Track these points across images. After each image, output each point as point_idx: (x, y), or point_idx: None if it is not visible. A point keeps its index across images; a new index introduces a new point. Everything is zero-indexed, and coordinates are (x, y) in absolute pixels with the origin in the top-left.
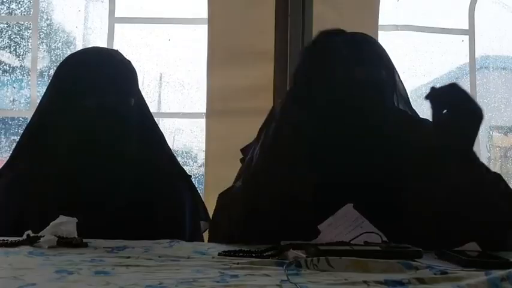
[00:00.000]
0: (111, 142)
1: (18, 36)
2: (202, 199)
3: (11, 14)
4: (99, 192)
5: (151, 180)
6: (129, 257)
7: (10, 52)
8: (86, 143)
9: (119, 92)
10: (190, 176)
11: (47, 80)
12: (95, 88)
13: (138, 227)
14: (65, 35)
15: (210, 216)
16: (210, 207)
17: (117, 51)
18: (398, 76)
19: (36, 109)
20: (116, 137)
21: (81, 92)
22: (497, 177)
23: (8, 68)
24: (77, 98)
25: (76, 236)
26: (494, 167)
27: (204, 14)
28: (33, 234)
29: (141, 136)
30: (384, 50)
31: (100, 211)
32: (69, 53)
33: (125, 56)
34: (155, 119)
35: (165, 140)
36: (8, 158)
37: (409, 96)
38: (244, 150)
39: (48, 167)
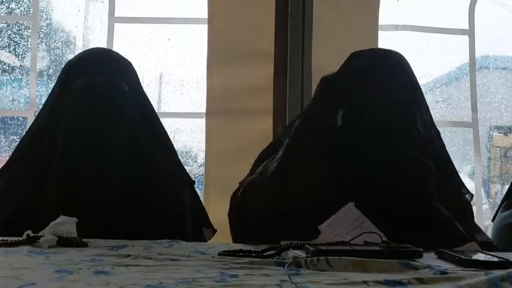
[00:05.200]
0: (102, 130)
1: (17, 36)
2: (202, 201)
3: (11, 14)
4: (90, 187)
5: (149, 177)
6: (128, 255)
7: (10, 52)
8: (79, 135)
9: (109, 74)
10: (194, 182)
11: (46, 80)
12: (85, 71)
13: (135, 226)
14: (65, 35)
15: (212, 222)
16: (210, 207)
17: (116, 52)
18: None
19: (38, 114)
20: (107, 123)
21: (73, 76)
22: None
23: (7, 68)
24: (68, 82)
25: (76, 236)
26: (494, 167)
27: (204, 14)
28: (33, 234)
29: (138, 130)
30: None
31: (94, 208)
32: (68, 52)
33: (124, 57)
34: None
35: (169, 141)
36: (8, 157)
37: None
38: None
39: (46, 165)
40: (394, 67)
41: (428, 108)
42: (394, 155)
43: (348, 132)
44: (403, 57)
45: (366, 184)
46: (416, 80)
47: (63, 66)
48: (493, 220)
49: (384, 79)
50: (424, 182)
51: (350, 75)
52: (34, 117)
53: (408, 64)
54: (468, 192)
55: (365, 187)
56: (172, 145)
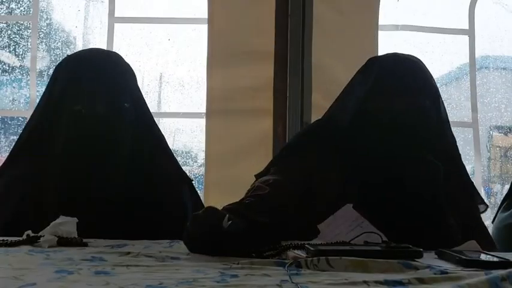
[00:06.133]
0: (102, 132)
1: (17, 36)
2: (202, 201)
3: (11, 14)
4: (91, 187)
5: (149, 178)
6: (129, 253)
7: (10, 52)
8: (80, 136)
9: (111, 98)
10: (192, 180)
11: (46, 80)
12: (86, 93)
13: (136, 226)
14: (65, 35)
15: None
16: None
17: (115, 53)
18: (441, 99)
19: (34, 110)
20: (109, 127)
21: (73, 96)
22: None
23: (7, 68)
24: (68, 102)
25: (76, 236)
26: (494, 167)
27: (204, 14)
28: (33, 234)
29: (138, 133)
30: (430, 75)
31: (95, 207)
32: (68, 52)
33: (123, 58)
34: (155, 119)
35: (166, 142)
36: (6, 157)
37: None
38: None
39: (46, 165)
40: (412, 73)
41: (447, 115)
42: (405, 157)
43: (361, 137)
44: (421, 63)
45: (372, 185)
46: (435, 85)
47: None
48: (493, 221)
49: (402, 86)
50: (432, 183)
51: (367, 81)
52: None
53: (427, 69)
54: (483, 202)
55: (371, 188)
56: (168, 145)
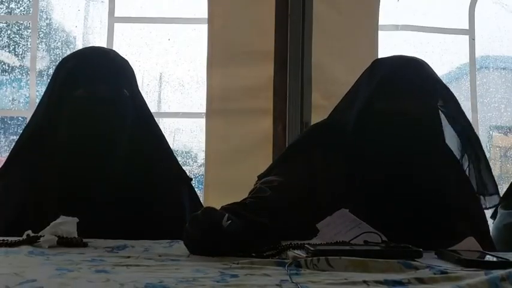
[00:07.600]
0: (103, 131)
1: (17, 36)
2: (202, 201)
3: (11, 14)
4: (91, 186)
5: (149, 177)
6: (129, 257)
7: (9, 52)
8: (80, 135)
9: (110, 82)
10: (191, 179)
11: (46, 80)
12: (86, 79)
13: (135, 226)
14: (65, 35)
15: None
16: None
17: (113, 50)
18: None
19: (35, 110)
20: (108, 125)
21: (73, 83)
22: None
23: (7, 68)
24: (68, 89)
25: (76, 236)
26: (494, 167)
27: (204, 14)
28: (33, 234)
29: (138, 132)
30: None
31: (93, 208)
32: (68, 52)
33: (122, 56)
34: (155, 118)
35: (165, 139)
36: (6, 157)
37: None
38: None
39: (46, 165)
40: (418, 74)
41: (461, 113)
42: (408, 157)
43: (367, 138)
44: (427, 64)
45: (374, 185)
46: (442, 85)
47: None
48: (491, 217)
49: (408, 87)
50: (434, 184)
51: (373, 83)
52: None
53: (432, 71)
54: (496, 192)
55: (373, 188)
56: (168, 144)
